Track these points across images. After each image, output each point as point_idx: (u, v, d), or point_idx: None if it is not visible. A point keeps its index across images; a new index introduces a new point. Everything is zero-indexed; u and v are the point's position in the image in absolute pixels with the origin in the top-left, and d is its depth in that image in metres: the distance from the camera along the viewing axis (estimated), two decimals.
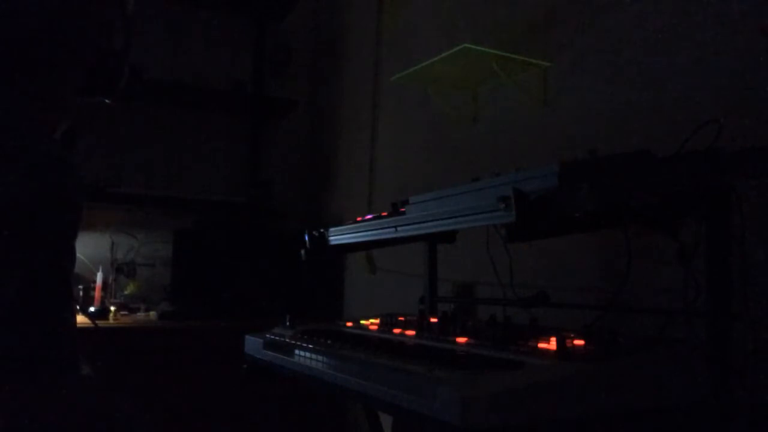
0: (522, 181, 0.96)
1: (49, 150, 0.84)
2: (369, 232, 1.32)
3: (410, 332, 1.28)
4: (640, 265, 1.29)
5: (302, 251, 1.49)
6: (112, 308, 2.56)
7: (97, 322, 2.40)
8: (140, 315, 2.68)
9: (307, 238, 1.48)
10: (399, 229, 1.21)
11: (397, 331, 1.31)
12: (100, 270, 2.62)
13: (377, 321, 1.48)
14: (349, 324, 1.52)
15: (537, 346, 1.00)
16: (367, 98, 2.81)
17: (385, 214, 1.35)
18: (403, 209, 1.28)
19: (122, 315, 2.64)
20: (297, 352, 1.23)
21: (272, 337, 1.38)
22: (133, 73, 0.99)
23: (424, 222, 1.13)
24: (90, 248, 2.81)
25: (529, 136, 1.88)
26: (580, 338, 1.04)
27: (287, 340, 1.32)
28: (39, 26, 0.87)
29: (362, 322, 1.51)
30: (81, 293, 2.65)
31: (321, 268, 2.99)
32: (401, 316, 1.50)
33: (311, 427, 2.67)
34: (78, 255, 0.88)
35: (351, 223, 1.41)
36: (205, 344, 2.46)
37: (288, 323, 1.46)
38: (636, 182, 0.96)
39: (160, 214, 3.01)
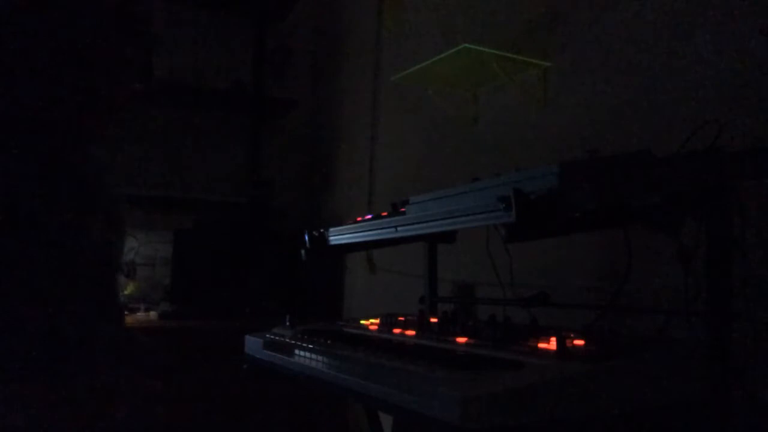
0: (522, 181, 0.96)
1: (93, 155, 0.85)
2: (369, 232, 1.32)
3: (410, 332, 1.28)
4: (640, 265, 1.29)
5: (302, 251, 1.49)
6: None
7: None
8: (140, 315, 2.68)
9: (307, 238, 1.48)
10: (399, 229, 1.21)
11: (397, 331, 1.31)
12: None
13: (377, 321, 1.48)
14: (349, 324, 1.52)
15: (537, 346, 1.00)
16: (367, 98, 2.81)
17: (385, 214, 1.35)
18: (403, 209, 1.28)
19: None
20: (297, 352, 1.23)
21: (272, 337, 1.38)
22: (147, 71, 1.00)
23: (424, 222, 1.13)
24: None
25: (529, 136, 1.88)
26: (580, 338, 1.04)
27: (287, 340, 1.32)
28: (94, 30, 0.88)
29: (362, 322, 1.51)
30: None
31: (321, 268, 2.99)
32: (401, 316, 1.50)
33: (311, 427, 2.67)
34: None
35: (351, 223, 1.41)
36: (205, 344, 2.46)
37: (288, 323, 1.46)
38: (636, 182, 0.96)
39: (160, 214, 3.01)
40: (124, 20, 0.90)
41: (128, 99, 0.94)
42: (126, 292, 2.84)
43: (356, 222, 1.40)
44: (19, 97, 0.83)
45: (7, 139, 0.79)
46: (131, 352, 0.87)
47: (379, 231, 1.27)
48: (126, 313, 2.68)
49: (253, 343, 1.43)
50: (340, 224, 1.45)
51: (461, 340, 1.13)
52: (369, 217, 1.40)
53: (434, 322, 1.38)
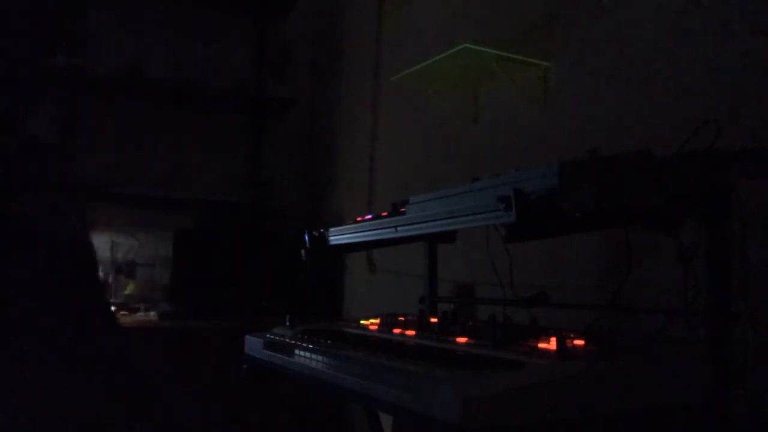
0: (522, 181, 0.96)
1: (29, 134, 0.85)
2: (369, 232, 1.32)
3: (410, 332, 1.28)
4: (640, 265, 1.29)
5: (302, 251, 1.49)
6: (112, 308, 2.56)
7: None
8: (140, 315, 2.68)
9: (307, 238, 1.48)
10: (399, 229, 1.21)
11: (397, 331, 1.31)
12: (100, 270, 2.62)
13: (377, 321, 1.48)
14: (349, 324, 1.52)
15: (537, 346, 1.00)
16: (367, 98, 2.81)
17: (385, 214, 1.35)
18: (403, 209, 1.28)
19: (122, 315, 2.64)
20: (297, 352, 1.23)
21: (272, 337, 1.38)
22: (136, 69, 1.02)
23: (424, 222, 1.13)
24: None
25: (529, 136, 1.88)
26: (580, 338, 1.04)
27: (287, 340, 1.32)
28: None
29: (362, 322, 1.51)
30: None
31: (321, 268, 2.99)
32: (401, 316, 1.50)
33: (311, 427, 2.67)
34: None
35: (351, 223, 1.41)
36: (205, 344, 2.46)
37: (288, 323, 1.46)
38: (636, 182, 0.96)
39: (160, 214, 3.01)
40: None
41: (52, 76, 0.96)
42: (126, 292, 2.84)
43: (356, 222, 1.40)
44: None
45: None
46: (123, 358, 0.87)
47: (379, 231, 1.27)
48: (125, 313, 2.69)
49: (253, 343, 1.43)
50: (340, 224, 1.45)
51: (461, 340, 1.13)
52: (369, 217, 1.40)
53: (434, 322, 1.38)
